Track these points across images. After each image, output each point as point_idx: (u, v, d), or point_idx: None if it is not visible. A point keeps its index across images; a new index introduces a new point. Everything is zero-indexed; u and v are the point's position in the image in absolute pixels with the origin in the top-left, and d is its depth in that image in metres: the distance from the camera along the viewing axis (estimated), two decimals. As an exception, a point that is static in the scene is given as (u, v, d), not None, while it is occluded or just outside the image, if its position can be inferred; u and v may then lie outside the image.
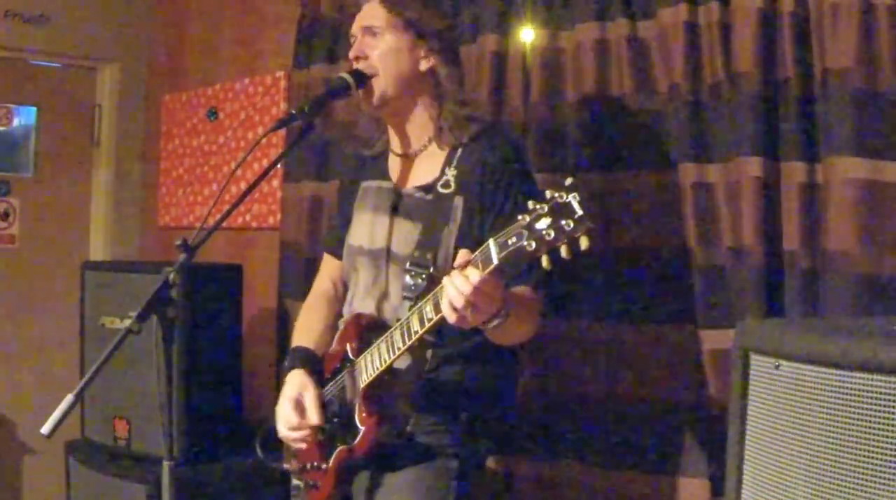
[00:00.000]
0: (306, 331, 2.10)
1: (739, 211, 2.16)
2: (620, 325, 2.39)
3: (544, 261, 1.45)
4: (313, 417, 1.90)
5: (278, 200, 3.46)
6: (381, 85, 1.95)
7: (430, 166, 1.98)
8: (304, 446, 1.95)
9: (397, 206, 1.99)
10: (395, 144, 2.06)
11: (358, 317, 1.98)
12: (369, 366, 1.85)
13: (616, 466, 2.39)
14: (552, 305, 2.45)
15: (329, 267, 2.22)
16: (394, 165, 2.06)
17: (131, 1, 4.18)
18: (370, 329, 1.92)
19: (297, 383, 1.95)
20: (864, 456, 1.23)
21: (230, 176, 3.33)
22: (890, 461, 1.20)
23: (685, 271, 2.29)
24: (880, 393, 1.22)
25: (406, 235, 1.94)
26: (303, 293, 3.16)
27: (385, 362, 1.80)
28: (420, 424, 1.90)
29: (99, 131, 4.16)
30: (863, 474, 1.23)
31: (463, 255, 1.59)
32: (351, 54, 1.97)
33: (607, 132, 2.42)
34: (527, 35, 2.58)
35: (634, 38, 2.38)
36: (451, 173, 1.93)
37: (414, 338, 1.72)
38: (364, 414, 1.85)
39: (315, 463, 1.97)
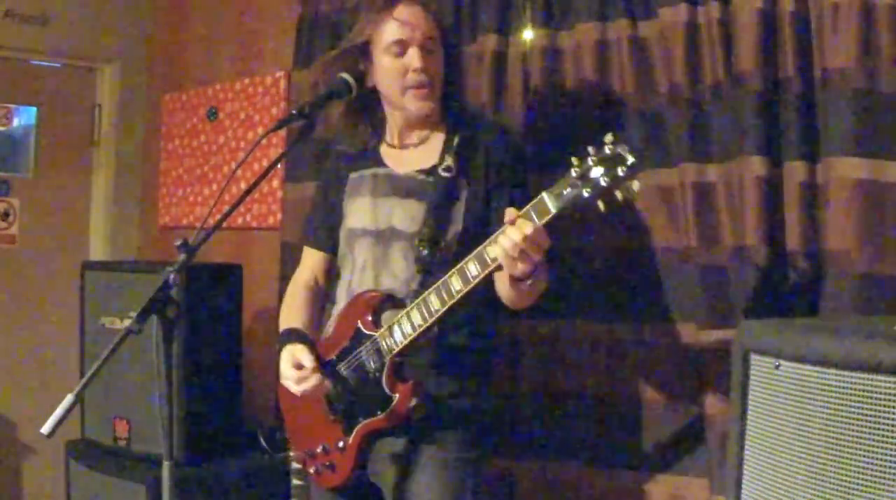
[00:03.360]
0: (294, 316, 2.16)
1: (741, 211, 2.16)
2: (620, 325, 2.39)
3: (601, 206, 1.62)
4: (307, 361, 1.96)
5: (278, 200, 3.46)
6: (434, 97, 2.06)
7: (428, 153, 2.08)
8: (315, 389, 1.96)
9: (398, 187, 2.06)
10: (392, 137, 2.14)
11: (367, 294, 2.03)
12: (398, 335, 1.90)
13: (616, 466, 2.39)
14: (553, 304, 2.45)
15: (310, 260, 2.27)
16: (389, 154, 2.14)
17: (131, 1, 4.18)
18: (382, 305, 2.00)
19: (289, 350, 2.02)
20: (865, 456, 1.23)
21: (230, 176, 3.33)
22: (890, 461, 1.20)
23: (686, 270, 2.29)
24: (880, 393, 1.22)
25: (412, 213, 2.02)
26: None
27: (419, 327, 1.87)
28: (436, 390, 1.98)
29: (99, 131, 4.16)
30: (863, 473, 1.23)
31: (510, 212, 1.72)
32: (419, 64, 2.00)
33: (608, 132, 2.42)
34: (527, 35, 2.58)
35: (635, 38, 2.38)
36: (451, 159, 2.04)
37: (456, 297, 1.81)
38: (397, 382, 1.92)
39: (328, 445, 2.03)
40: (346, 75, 2.01)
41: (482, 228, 1.97)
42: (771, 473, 1.41)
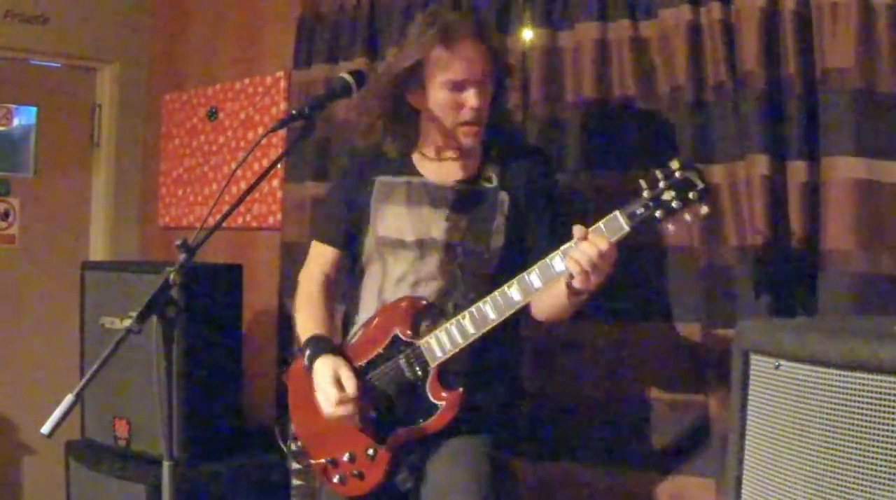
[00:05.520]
0: (314, 322, 2.11)
1: (744, 211, 2.16)
2: (623, 324, 2.39)
3: (670, 227, 1.76)
4: (351, 387, 1.93)
5: (278, 200, 3.46)
6: (482, 131, 2.04)
7: (466, 165, 2.09)
8: (354, 421, 1.95)
9: (437, 197, 2.05)
10: (429, 148, 2.11)
11: (406, 302, 2.01)
12: (446, 343, 1.91)
13: (616, 466, 2.39)
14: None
15: (322, 258, 2.21)
16: (424, 164, 2.11)
17: (131, 1, 4.18)
18: (422, 313, 1.99)
19: (329, 364, 1.97)
20: (864, 456, 1.23)
21: (230, 176, 3.33)
22: (890, 461, 1.20)
23: (689, 270, 2.28)
24: (880, 393, 1.22)
25: (451, 223, 2.02)
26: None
27: (471, 336, 1.89)
28: (473, 397, 1.97)
29: (99, 131, 4.16)
30: (862, 473, 1.23)
31: (580, 229, 1.78)
32: (476, 104, 1.99)
33: (608, 133, 2.42)
34: (526, 34, 2.58)
35: (636, 39, 2.38)
36: (492, 170, 2.07)
37: (515, 308, 1.86)
38: (443, 391, 1.93)
39: (355, 453, 2.00)
40: (346, 75, 2.00)
41: (522, 243, 2.01)
42: (771, 473, 1.41)
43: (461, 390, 1.93)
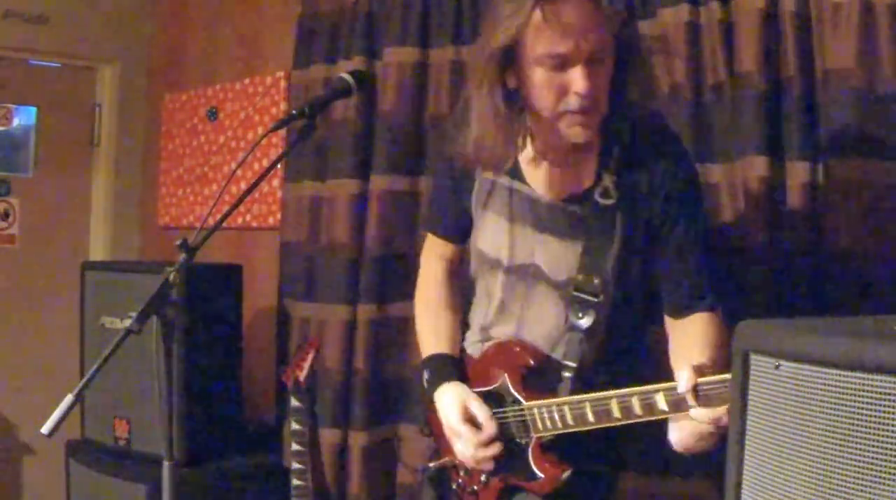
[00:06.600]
0: (435, 335, 1.97)
1: (744, 211, 2.16)
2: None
3: None
4: (490, 425, 1.77)
5: (278, 200, 3.46)
6: (595, 121, 1.63)
7: (579, 170, 1.74)
8: (494, 459, 1.78)
9: (544, 220, 1.77)
10: (533, 145, 1.76)
11: (521, 352, 1.80)
12: (546, 420, 1.72)
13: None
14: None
15: (441, 249, 2.04)
16: (528, 165, 1.79)
17: (131, 1, 4.18)
18: (537, 369, 1.78)
19: (455, 397, 1.82)
20: (864, 456, 1.23)
21: (230, 176, 3.33)
22: (890, 461, 1.20)
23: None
24: (880, 393, 1.22)
25: (562, 256, 1.75)
26: (303, 293, 3.17)
27: (570, 427, 1.70)
28: (581, 466, 1.81)
29: (99, 131, 4.16)
30: (863, 474, 1.23)
31: (687, 377, 1.46)
32: (584, 88, 1.55)
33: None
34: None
35: (634, 38, 2.38)
36: (609, 179, 1.69)
37: (613, 423, 1.64)
38: (545, 463, 1.76)
39: (470, 470, 1.90)
40: (346, 75, 1.98)
41: (639, 282, 1.75)
42: (771, 473, 1.41)
43: (563, 469, 1.74)
